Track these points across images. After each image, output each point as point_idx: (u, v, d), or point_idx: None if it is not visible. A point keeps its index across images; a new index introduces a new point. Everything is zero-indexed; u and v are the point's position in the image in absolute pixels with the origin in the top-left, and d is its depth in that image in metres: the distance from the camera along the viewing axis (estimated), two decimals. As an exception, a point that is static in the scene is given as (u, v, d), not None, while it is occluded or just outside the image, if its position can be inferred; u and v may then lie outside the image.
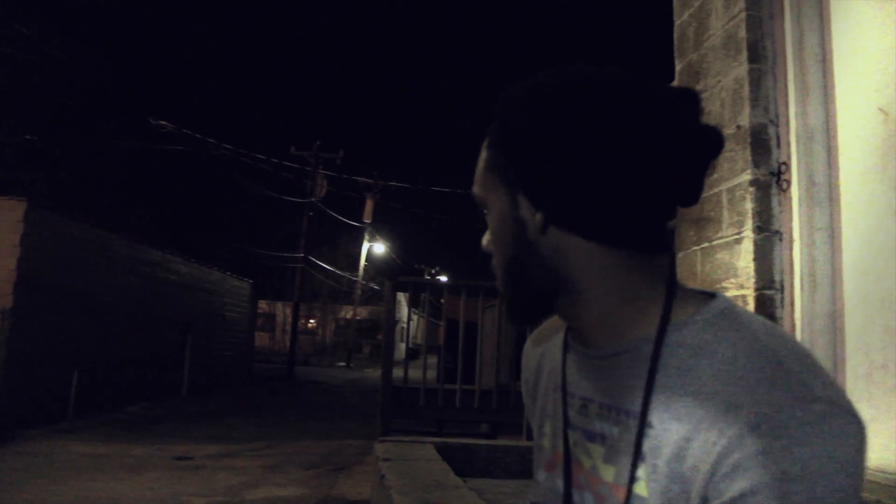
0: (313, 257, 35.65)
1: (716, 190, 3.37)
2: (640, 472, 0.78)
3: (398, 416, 7.04)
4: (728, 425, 0.70)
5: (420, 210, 69.66)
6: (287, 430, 13.68)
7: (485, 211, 0.91)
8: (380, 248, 44.03)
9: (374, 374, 30.01)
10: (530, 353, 1.06)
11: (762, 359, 0.73)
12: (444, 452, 3.65)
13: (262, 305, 40.55)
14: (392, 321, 7.60)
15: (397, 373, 7.27)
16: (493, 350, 7.97)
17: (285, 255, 35.09)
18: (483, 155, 0.90)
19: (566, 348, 0.94)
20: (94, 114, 25.78)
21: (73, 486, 8.05)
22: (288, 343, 32.00)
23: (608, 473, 0.83)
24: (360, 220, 38.46)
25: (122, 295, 15.22)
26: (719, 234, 3.37)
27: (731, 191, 3.28)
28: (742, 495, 0.68)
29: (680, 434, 0.75)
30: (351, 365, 39.03)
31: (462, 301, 7.12)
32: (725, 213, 3.33)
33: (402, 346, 8.24)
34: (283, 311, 44.57)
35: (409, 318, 9.61)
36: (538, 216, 0.82)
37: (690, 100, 0.83)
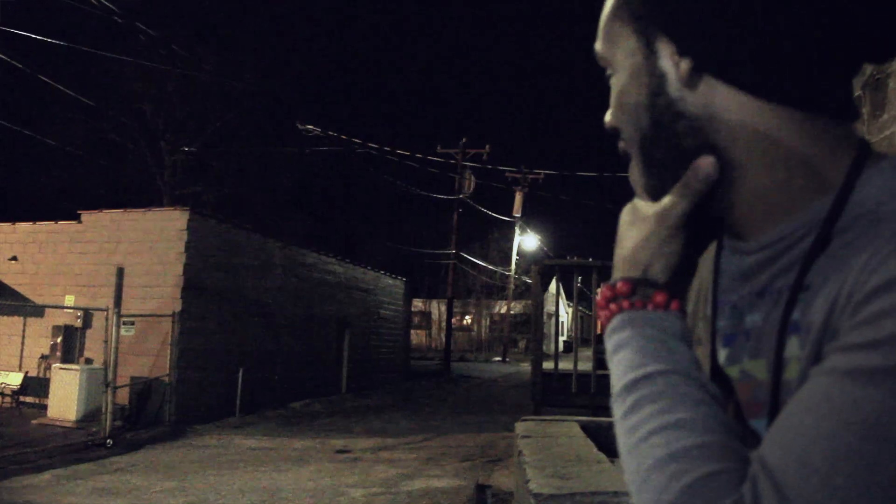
0: (465, 253, 35.92)
1: (887, 133, 2.97)
2: (792, 348, 0.57)
3: (549, 403, 6.86)
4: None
5: (568, 196, 68.84)
6: (443, 423, 13.77)
7: (609, 73, 0.71)
8: (531, 241, 43.69)
9: (529, 368, 29.79)
10: None
11: None
12: (592, 431, 3.43)
13: (418, 304, 41.33)
14: (540, 303, 7.44)
15: (550, 366, 7.09)
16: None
17: (437, 252, 35.57)
18: (608, 3, 0.70)
19: (719, 250, 0.71)
20: (251, 124, 27.09)
21: (242, 477, 8.43)
22: (444, 340, 32.38)
23: (759, 369, 0.62)
24: (510, 213, 38.32)
25: (281, 296, 15.84)
26: None
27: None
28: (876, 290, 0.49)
29: (837, 285, 0.53)
30: (506, 360, 39.05)
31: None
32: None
33: (557, 339, 7.96)
34: (438, 308, 45.25)
35: (557, 306, 9.42)
36: (684, 63, 0.61)
37: None
